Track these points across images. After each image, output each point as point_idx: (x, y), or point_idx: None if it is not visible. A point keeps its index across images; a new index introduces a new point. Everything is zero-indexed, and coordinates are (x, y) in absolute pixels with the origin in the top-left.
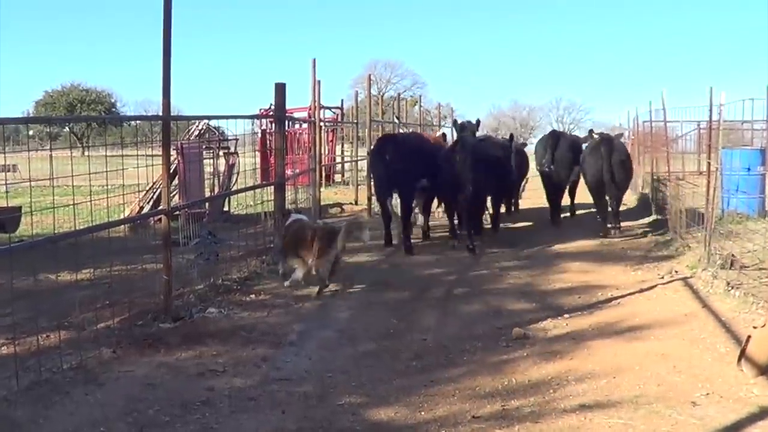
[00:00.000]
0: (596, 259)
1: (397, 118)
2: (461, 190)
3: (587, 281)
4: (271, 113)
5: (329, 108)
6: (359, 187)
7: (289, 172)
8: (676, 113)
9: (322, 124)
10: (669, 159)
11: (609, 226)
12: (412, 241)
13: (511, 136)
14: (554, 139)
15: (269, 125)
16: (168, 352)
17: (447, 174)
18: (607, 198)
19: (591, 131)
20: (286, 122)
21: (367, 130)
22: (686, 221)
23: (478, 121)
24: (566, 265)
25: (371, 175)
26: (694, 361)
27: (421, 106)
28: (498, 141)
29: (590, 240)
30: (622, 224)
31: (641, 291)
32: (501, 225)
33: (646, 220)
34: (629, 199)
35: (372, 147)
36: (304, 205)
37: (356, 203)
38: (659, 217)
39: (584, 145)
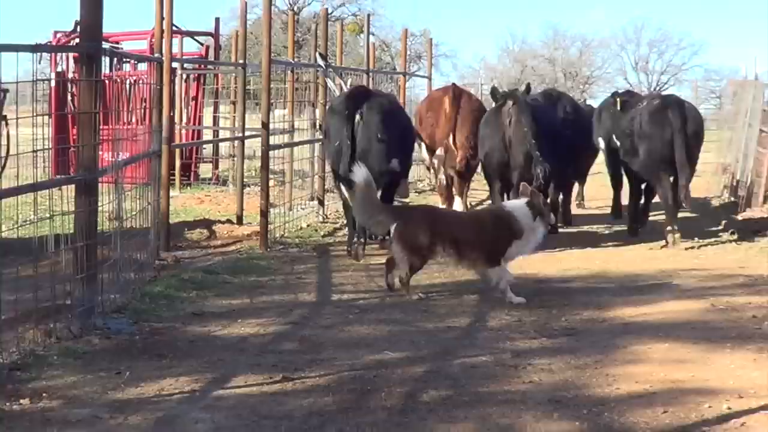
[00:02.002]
0: (699, 336)
1: (322, 56)
2: (513, 167)
3: (681, 381)
4: (75, 43)
5: (192, 35)
6: (247, 189)
7: (108, 157)
8: None
9: (176, 65)
10: None
11: (669, 229)
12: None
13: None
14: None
15: (72, 66)
16: None
17: (492, 145)
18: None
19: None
20: (105, 60)
21: (262, 79)
22: None
23: (528, 87)
24: (641, 348)
25: (331, 149)
26: None
27: (371, 34)
28: (566, 98)
29: (689, 299)
30: (748, 266)
31: None
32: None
33: None
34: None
35: (335, 102)
36: (138, 222)
37: (240, 221)
38: None
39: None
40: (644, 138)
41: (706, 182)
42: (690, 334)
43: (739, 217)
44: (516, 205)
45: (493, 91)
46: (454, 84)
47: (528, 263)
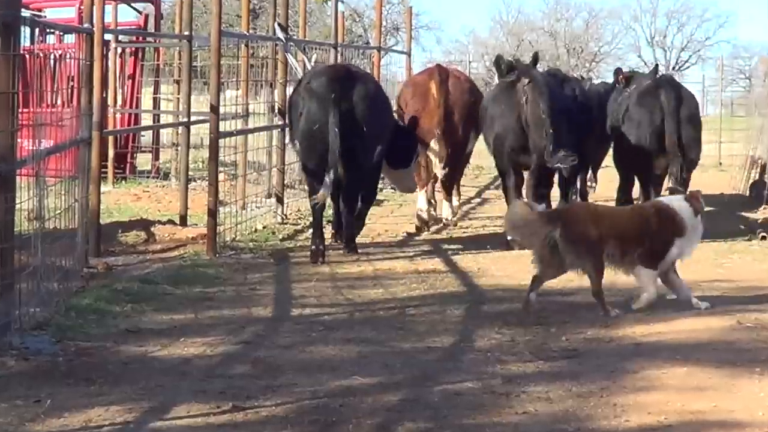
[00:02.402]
0: (723, 359)
1: (282, 27)
2: (533, 152)
3: (701, 412)
4: None
5: (128, 2)
6: (193, 184)
7: (27, 145)
8: None
9: (110, 37)
10: None
11: None
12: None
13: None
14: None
15: None
16: None
17: (505, 126)
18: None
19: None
20: (25, 31)
21: (212, 54)
22: None
23: (536, 57)
24: (655, 374)
25: (303, 133)
26: None
27: (340, 2)
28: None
29: (712, 315)
30: None
31: None
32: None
33: None
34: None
35: (315, 83)
36: (63, 222)
37: (184, 221)
38: None
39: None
40: (632, 122)
41: (732, 177)
42: (712, 356)
43: None
44: (676, 200)
45: (498, 61)
46: (438, 65)
47: (523, 273)
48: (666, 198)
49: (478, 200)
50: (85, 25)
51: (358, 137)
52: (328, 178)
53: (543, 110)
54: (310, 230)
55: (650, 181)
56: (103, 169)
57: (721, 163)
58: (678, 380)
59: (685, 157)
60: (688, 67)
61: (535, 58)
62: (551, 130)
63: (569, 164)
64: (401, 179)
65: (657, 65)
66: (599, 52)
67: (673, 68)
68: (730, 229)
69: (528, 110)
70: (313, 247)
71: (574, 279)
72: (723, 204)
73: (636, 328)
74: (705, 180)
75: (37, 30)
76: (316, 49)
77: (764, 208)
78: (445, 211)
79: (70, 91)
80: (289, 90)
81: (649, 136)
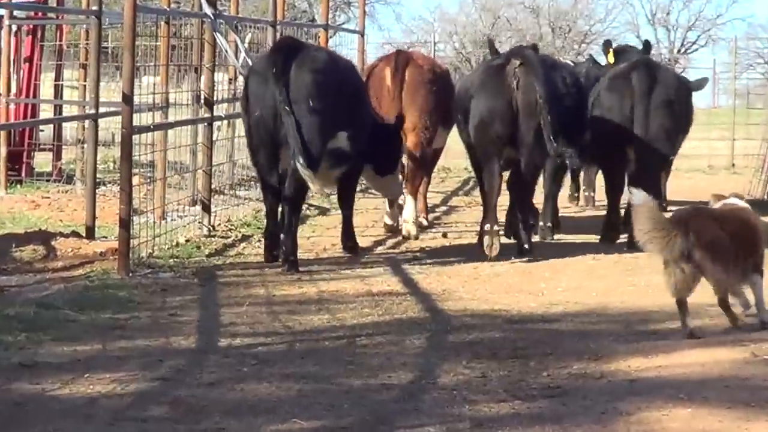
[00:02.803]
0: (735, 398)
1: (209, 2)
2: (521, 144)
3: None
4: None
5: None
6: (102, 189)
7: None
8: None
9: (2, 12)
10: None
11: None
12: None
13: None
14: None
15: None
16: None
17: (492, 111)
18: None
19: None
20: None
21: (125, 33)
22: None
23: (535, 47)
24: (653, 416)
25: (249, 118)
26: None
27: None
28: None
29: (721, 345)
30: None
31: None
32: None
33: None
34: None
35: (257, 61)
36: None
37: (92, 234)
38: None
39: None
40: (601, 109)
41: (748, 181)
42: (722, 395)
43: None
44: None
45: (491, 44)
46: (398, 50)
47: (498, 296)
48: (736, 201)
49: (444, 208)
50: None
51: (303, 118)
52: (300, 164)
53: (540, 95)
54: (242, 245)
55: (621, 180)
56: None
57: (734, 164)
58: (681, 423)
59: (651, 154)
60: (696, 49)
61: (535, 49)
62: (549, 118)
63: (570, 157)
64: (386, 185)
65: (648, 41)
66: (590, 31)
67: (678, 51)
68: None
69: (519, 96)
70: (267, 232)
71: (558, 303)
72: None
73: (631, 362)
74: (715, 184)
75: None
76: (251, 27)
77: None
78: (407, 212)
79: None
80: (218, 76)
81: (615, 127)
